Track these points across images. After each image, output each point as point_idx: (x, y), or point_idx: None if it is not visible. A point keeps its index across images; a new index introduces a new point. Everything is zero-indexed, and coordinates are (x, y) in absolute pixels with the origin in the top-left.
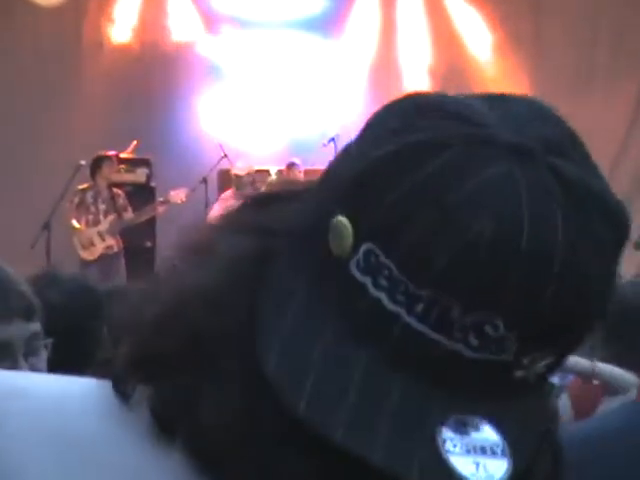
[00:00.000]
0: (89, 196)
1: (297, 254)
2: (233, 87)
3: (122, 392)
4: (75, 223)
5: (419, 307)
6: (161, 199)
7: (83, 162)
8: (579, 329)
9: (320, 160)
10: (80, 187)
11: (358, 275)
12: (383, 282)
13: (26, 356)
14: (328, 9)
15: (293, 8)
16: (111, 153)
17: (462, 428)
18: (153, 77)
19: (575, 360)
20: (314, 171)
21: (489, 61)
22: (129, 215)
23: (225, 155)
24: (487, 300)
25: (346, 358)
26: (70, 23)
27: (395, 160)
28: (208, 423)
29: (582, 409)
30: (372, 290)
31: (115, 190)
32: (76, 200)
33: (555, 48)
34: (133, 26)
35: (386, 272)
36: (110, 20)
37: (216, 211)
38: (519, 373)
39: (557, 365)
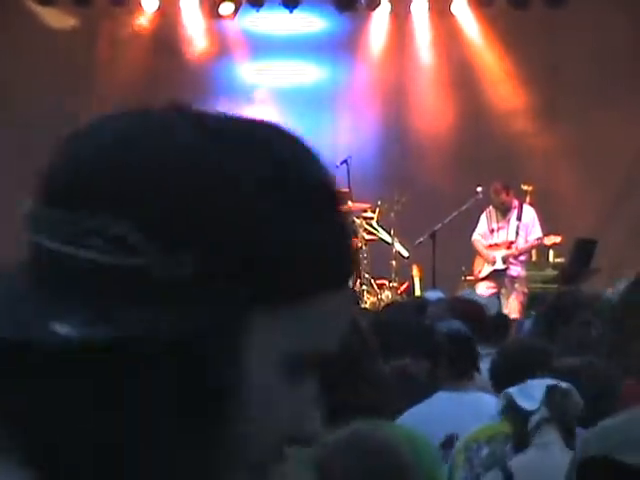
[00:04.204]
0: None
1: None
2: (245, 108)
3: None
4: None
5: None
6: None
7: None
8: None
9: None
10: None
11: None
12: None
13: None
14: (342, 31)
15: (306, 30)
16: None
17: None
18: (166, 98)
19: None
20: None
21: (502, 81)
22: None
23: None
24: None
25: None
26: (83, 44)
27: None
28: None
29: None
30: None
31: None
32: None
33: (572, 63)
34: (147, 46)
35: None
36: (123, 41)
37: None
38: (160, 274)
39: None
